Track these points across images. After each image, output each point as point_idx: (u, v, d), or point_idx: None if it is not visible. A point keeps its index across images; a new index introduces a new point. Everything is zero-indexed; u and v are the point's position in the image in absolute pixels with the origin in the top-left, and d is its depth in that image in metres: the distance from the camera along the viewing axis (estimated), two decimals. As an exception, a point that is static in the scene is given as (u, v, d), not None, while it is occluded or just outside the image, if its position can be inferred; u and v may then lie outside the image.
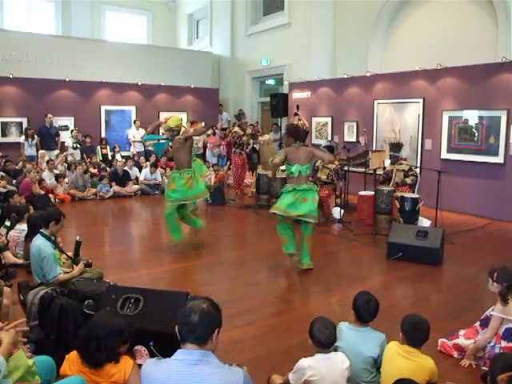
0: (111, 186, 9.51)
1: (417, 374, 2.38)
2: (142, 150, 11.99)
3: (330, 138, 10.06)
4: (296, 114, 10.34)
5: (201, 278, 4.85)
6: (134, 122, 12.15)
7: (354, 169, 8.19)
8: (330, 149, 7.80)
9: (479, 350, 3.10)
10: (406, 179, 6.94)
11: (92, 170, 10.25)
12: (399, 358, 2.47)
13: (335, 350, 2.59)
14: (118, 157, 11.29)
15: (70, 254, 4.28)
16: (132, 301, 3.15)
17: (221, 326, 1.96)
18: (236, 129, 9.67)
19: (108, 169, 10.48)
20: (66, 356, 2.32)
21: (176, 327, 1.92)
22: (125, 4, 15.90)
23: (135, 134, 11.97)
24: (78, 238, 4.37)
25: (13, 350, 2.08)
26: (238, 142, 9.41)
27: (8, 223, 5.42)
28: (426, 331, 2.52)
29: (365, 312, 2.66)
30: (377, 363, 2.61)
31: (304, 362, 2.40)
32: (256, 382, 2.57)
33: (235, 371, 1.92)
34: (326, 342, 2.42)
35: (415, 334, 2.51)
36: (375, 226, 6.67)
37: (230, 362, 2.22)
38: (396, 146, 7.03)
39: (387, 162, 7.24)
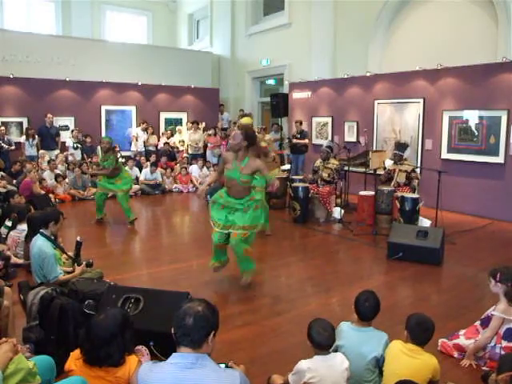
0: (111, 186, 9.48)
1: (421, 371, 2.40)
2: (143, 149, 11.97)
3: (330, 139, 10.06)
4: (301, 124, 10.50)
5: (201, 278, 4.83)
6: (140, 125, 12.11)
7: (355, 169, 8.18)
8: (329, 149, 7.82)
9: (479, 350, 3.09)
10: (412, 182, 6.89)
11: (92, 169, 10.25)
12: (403, 356, 2.48)
13: (336, 350, 2.59)
14: (118, 156, 11.27)
15: (71, 254, 4.29)
16: (132, 301, 3.16)
17: (217, 329, 1.94)
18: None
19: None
20: (71, 353, 2.32)
21: (172, 330, 1.90)
22: (125, 4, 15.90)
23: (139, 132, 11.93)
24: (78, 238, 4.38)
25: (13, 356, 2.09)
26: None
27: (9, 223, 5.42)
28: (432, 330, 2.54)
29: (364, 310, 2.66)
30: (379, 362, 2.60)
31: (303, 364, 2.38)
32: (256, 382, 2.58)
33: (231, 374, 1.90)
34: (325, 344, 2.41)
35: (421, 332, 2.52)
36: (375, 226, 6.67)
37: (226, 360, 2.22)
38: (402, 146, 6.99)
39: (387, 162, 7.23)
